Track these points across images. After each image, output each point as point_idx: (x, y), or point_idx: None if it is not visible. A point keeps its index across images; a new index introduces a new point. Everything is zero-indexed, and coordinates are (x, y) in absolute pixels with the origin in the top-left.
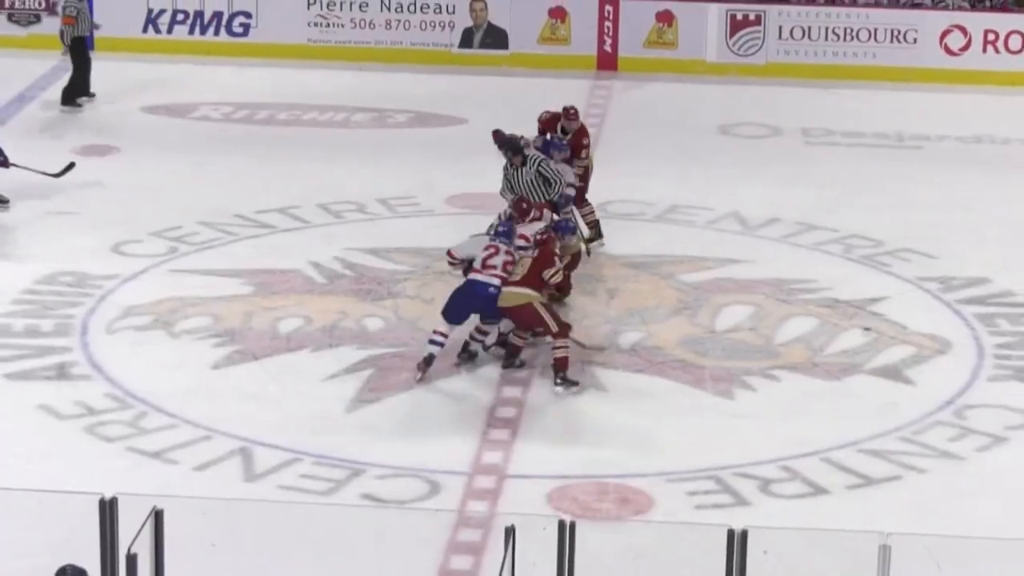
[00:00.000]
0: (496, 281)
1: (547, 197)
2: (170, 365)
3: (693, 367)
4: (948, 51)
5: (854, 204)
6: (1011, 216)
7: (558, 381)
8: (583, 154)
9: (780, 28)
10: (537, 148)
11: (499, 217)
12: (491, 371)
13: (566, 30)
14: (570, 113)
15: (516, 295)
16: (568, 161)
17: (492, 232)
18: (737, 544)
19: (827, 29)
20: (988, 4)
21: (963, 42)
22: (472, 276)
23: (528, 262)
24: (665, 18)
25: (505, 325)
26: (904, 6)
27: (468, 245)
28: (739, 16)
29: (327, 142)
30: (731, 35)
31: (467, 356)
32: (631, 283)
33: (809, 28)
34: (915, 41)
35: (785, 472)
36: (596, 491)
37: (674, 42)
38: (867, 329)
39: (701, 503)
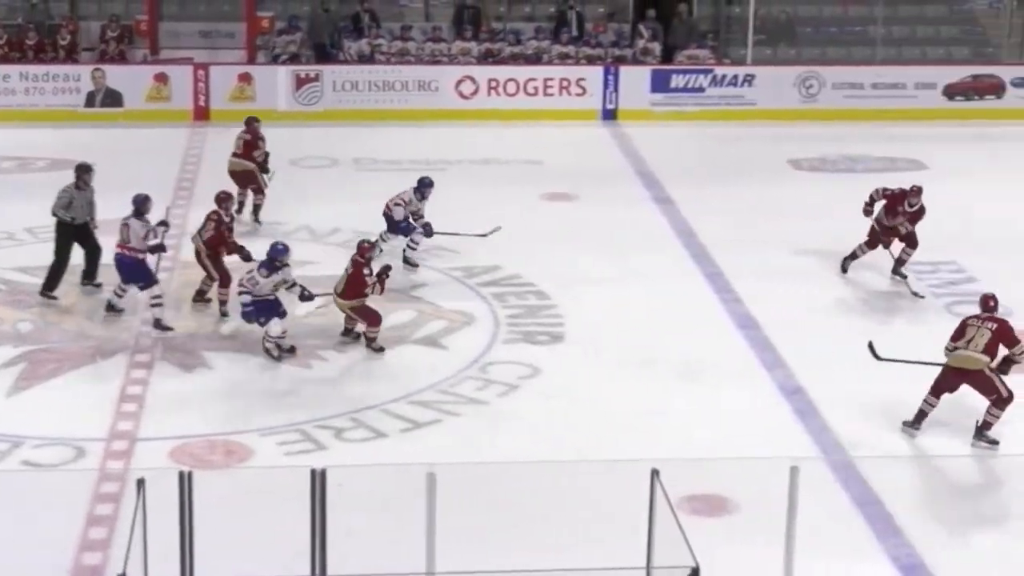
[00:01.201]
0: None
1: (94, 215)
2: None
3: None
4: (462, 96)
5: None
6: (515, 217)
7: (371, 347)
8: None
9: (334, 82)
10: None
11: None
12: (121, 359)
13: (168, 90)
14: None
15: (343, 305)
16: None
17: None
18: (318, 480)
19: (370, 82)
20: (490, 60)
21: (473, 88)
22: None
23: (346, 277)
24: (245, 78)
25: None
26: (428, 63)
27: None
28: (302, 75)
29: None
30: (297, 89)
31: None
32: None
33: (356, 82)
34: (437, 89)
35: (352, 422)
36: (207, 447)
37: (253, 96)
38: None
39: (290, 450)
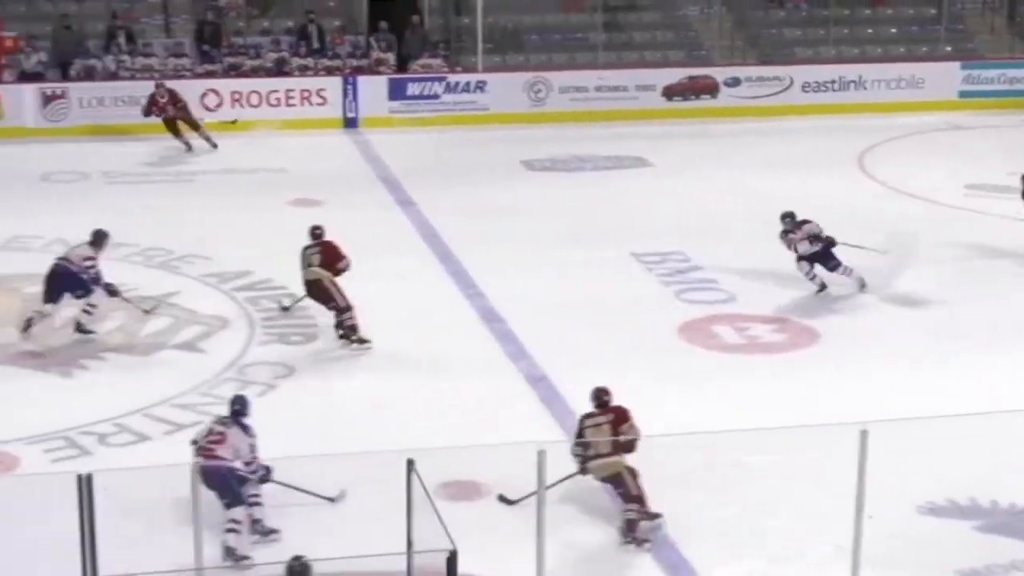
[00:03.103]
0: None
1: None
2: None
3: (39, 355)
4: (207, 108)
5: (146, 224)
6: (263, 224)
7: None
8: None
9: (81, 99)
10: None
11: None
12: None
13: None
14: None
15: None
16: None
17: None
18: (85, 485)
19: (115, 98)
20: (233, 72)
21: (217, 101)
22: None
23: None
24: None
25: None
26: (171, 77)
27: None
28: (49, 92)
29: None
30: (44, 106)
31: None
32: None
33: (103, 98)
34: None
35: (116, 427)
36: None
37: (1, 114)
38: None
39: (56, 457)
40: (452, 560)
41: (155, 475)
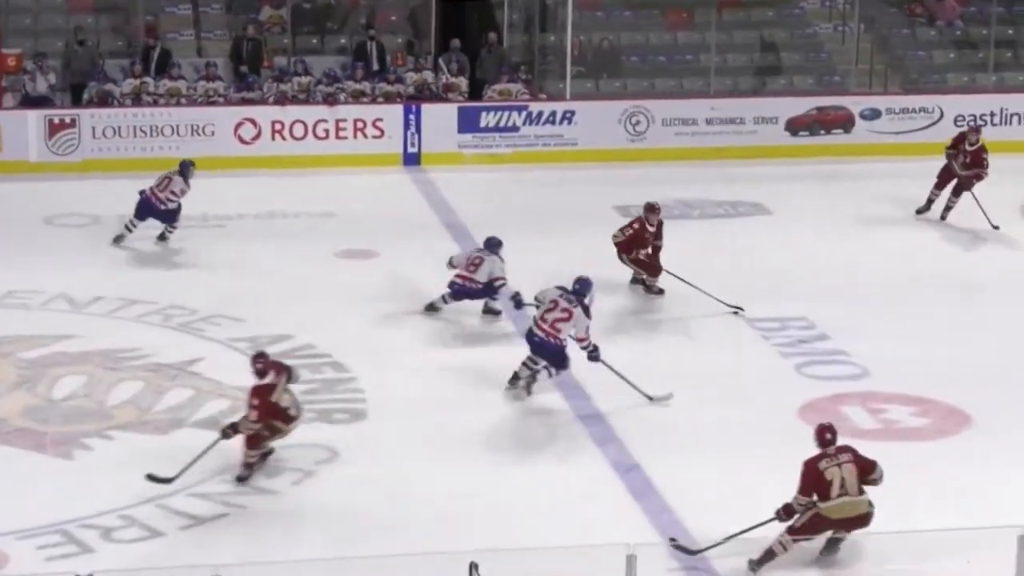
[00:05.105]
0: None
1: None
2: None
3: (35, 433)
4: (242, 141)
5: (166, 278)
6: (306, 278)
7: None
8: None
9: (94, 129)
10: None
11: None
12: None
13: None
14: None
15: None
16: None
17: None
18: None
19: (136, 127)
20: (271, 100)
21: (255, 132)
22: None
23: None
24: None
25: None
26: (202, 104)
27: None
28: (56, 120)
29: None
30: (50, 137)
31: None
32: None
33: (120, 127)
34: (213, 134)
35: (124, 520)
36: None
37: None
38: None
39: (51, 555)
40: None
41: None
